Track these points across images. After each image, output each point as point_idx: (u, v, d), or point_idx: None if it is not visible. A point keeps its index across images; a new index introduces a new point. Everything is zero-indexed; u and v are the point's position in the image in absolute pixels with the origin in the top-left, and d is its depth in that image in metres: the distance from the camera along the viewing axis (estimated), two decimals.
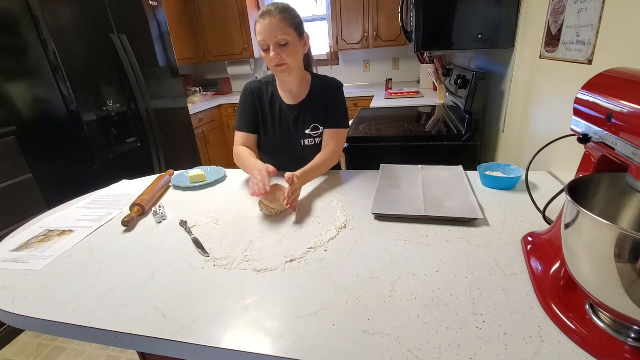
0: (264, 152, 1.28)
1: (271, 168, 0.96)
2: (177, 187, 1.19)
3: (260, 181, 0.90)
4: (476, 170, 1.04)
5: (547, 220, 0.69)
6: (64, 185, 1.95)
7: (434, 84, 2.88)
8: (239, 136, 1.21)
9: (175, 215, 0.98)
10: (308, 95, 1.18)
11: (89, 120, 1.89)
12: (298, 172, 0.98)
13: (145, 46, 2.32)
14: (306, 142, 1.19)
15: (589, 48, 0.89)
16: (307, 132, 1.18)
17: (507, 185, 0.98)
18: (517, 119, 1.44)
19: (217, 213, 0.97)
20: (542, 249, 0.64)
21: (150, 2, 2.34)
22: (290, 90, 1.18)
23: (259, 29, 1.03)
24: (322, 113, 1.17)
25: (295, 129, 1.20)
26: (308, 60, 1.20)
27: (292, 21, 1.03)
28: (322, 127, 1.18)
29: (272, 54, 1.03)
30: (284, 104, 1.19)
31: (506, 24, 1.43)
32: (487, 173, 1.00)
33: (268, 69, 1.22)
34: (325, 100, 1.17)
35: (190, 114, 2.84)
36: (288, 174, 0.93)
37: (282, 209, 0.93)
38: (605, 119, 0.50)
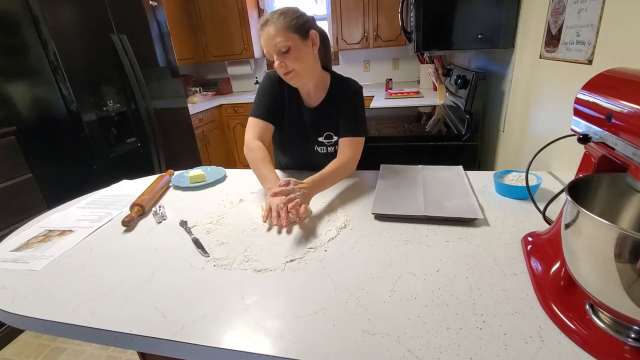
0: (278, 147, 1.24)
1: (287, 185, 0.88)
2: (177, 187, 1.19)
3: (275, 217, 0.83)
4: (476, 170, 1.04)
5: (547, 220, 0.69)
6: (64, 185, 1.96)
7: (434, 84, 2.88)
8: (255, 124, 1.10)
9: (175, 215, 0.98)
10: (325, 99, 1.11)
11: (89, 120, 1.89)
12: (307, 180, 0.93)
13: (145, 46, 2.32)
14: (319, 149, 1.15)
15: (589, 48, 0.89)
16: (320, 139, 1.14)
17: (524, 194, 0.89)
18: (517, 119, 1.44)
19: (217, 213, 0.97)
20: (542, 249, 0.64)
21: (150, 2, 2.34)
22: (307, 92, 1.12)
23: (262, 42, 0.98)
24: (337, 120, 1.11)
25: (310, 134, 1.15)
26: (324, 58, 1.11)
27: (290, 24, 0.96)
28: (335, 137, 1.13)
29: (276, 63, 0.99)
30: (302, 103, 1.14)
31: (506, 24, 1.43)
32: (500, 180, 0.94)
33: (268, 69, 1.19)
34: (341, 106, 1.10)
35: (190, 114, 2.84)
36: (284, 180, 0.89)
37: (308, 215, 0.90)
38: (605, 119, 0.50)
